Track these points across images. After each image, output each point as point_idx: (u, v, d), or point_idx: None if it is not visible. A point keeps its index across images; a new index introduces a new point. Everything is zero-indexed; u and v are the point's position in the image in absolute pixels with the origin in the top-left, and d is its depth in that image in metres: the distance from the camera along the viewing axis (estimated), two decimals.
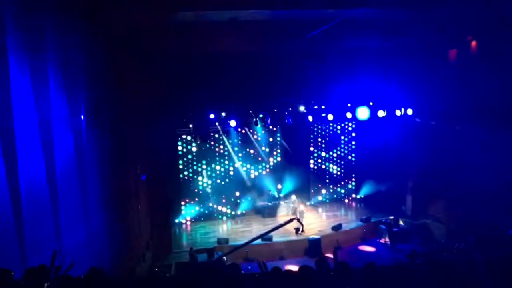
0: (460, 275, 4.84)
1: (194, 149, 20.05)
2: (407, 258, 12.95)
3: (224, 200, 20.88)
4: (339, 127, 22.66)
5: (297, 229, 17.78)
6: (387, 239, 18.31)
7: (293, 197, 20.36)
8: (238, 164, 21.02)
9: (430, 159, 19.74)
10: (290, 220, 16.73)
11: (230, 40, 14.49)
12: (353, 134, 22.89)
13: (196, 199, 20.50)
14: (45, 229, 8.50)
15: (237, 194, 21.19)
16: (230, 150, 20.65)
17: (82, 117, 10.26)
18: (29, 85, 8.09)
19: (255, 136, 21.41)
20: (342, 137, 22.89)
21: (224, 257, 15.24)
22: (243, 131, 20.53)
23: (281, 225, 16.62)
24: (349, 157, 23.14)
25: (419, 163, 20.15)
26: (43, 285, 4.39)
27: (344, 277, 4.57)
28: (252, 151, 21.52)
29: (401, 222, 19.32)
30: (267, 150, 21.84)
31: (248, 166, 21.59)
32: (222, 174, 20.81)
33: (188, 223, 20.35)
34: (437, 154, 19.36)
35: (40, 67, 8.35)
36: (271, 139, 21.84)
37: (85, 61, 10.15)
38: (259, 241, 16.68)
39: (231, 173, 20.93)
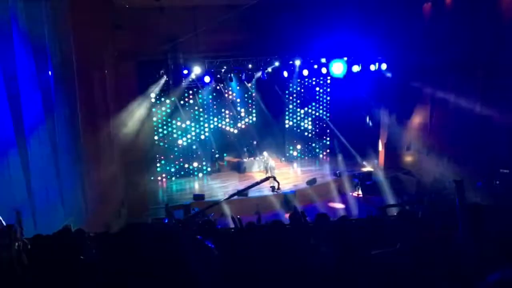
0: (427, 225, 4.99)
1: (167, 105, 19.72)
2: (378, 210, 13.29)
3: (199, 157, 20.82)
4: (314, 83, 22.58)
5: (273, 187, 17.89)
6: (360, 192, 18.73)
7: (265, 153, 20.42)
8: (212, 121, 20.91)
9: (402, 113, 20.03)
10: (267, 179, 16.84)
11: None
12: (328, 90, 22.88)
13: (172, 156, 20.38)
14: (16, 188, 8.36)
15: (213, 150, 21.17)
16: (200, 108, 20.41)
17: (50, 72, 9.91)
18: None
19: (230, 93, 21.21)
20: (317, 93, 22.86)
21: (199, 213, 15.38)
22: (218, 87, 20.26)
23: (257, 183, 16.75)
24: (324, 112, 23.23)
25: (392, 117, 20.43)
26: (13, 245, 4.32)
27: (317, 230, 4.67)
28: (227, 108, 21.38)
29: (373, 175, 19.74)
30: (243, 108, 21.71)
31: (224, 122, 21.49)
32: (197, 130, 20.65)
33: (164, 179, 20.32)
34: (410, 108, 19.65)
35: (3, 22, 7.95)
36: (246, 95, 21.70)
37: (50, 14, 9.70)
38: (235, 196, 16.86)
39: (206, 129, 20.80)
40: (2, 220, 5.23)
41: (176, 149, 20.39)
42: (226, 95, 21.12)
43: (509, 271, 1.41)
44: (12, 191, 8.13)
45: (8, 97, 8.16)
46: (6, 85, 8.09)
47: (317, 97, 22.89)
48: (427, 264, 2.91)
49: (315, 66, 18.80)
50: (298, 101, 22.52)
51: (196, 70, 17.57)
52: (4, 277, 3.98)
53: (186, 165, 20.64)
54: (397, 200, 17.11)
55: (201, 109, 20.50)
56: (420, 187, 18.32)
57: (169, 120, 19.93)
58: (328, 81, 22.48)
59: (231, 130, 21.78)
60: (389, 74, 19.23)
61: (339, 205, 18.11)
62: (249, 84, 21.08)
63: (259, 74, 18.56)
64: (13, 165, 8.32)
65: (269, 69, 18.52)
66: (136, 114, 16.83)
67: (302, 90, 22.44)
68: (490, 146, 15.78)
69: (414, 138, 19.73)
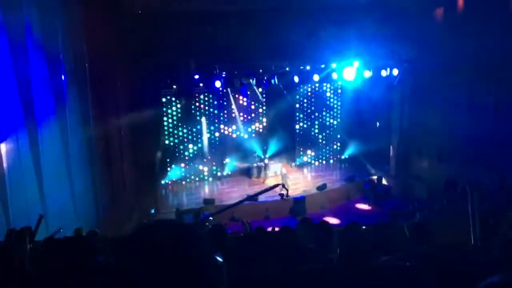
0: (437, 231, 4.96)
1: (178, 110, 19.80)
2: (388, 216, 13.25)
3: (209, 162, 20.87)
4: (325, 88, 22.52)
5: (281, 195, 17.73)
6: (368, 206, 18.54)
7: (266, 161, 20.33)
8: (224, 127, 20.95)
9: (414, 118, 19.90)
10: (276, 185, 16.78)
11: None
12: (339, 95, 22.81)
13: (182, 160, 20.45)
14: (28, 191, 8.46)
15: (223, 155, 21.21)
16: (211, 113, 20.45)
17: (62, 77, 10.03)
18: (6, 45, 7.86)
19: (241, 97, 21.24)
20: (328, 98, 22.81)
21: (211, 217, 15.40)
22: (228, 92, 20.30)
23: (266, 190, 16.69)
24: (335, 118, 23.16)
25: (403, 123, 20.30)
26: (25, 247, 4.38)
27: (325, 236, 4.66)
28: (237, 113, 21.40)
29: (384, 181, 19.61)
30: (253, 113, 21.72)
31: (234, 127, 21.52)
32: (208, 135, 20.71)
33: (174, 184, 20.39)
34: (422, 113, 19.50)
35: (17, 27, 8.08)
36: (256, 100, 21.67)
37: (64, 21, 9.83)
38: (245, 201, 16.86)
39: (217, 134, 20.86)
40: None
41: (186, 153, 20.47)
42: (237, 100, 21.15)
43: (510, 274, 1.40)
44: (24, 193, 8.23)
45: (21, 100, 8.28)
46: (20, 89, 8.21)
47: (328, 102, 22.84)
48: (436, 271, 2.90)
49: (326, 72, 18.77)
50: (309, 106, 22.48)
51: (207, 75, 17.65)
52: (15, 279, 4.03)
53: (197, 170, 20.70)
54: (408, 206, 16.98)
55: (211, 114, 20.56)
56: (431, 193, 18.15)
57: (180, 124, 20.02)
58: (339, 86, 22.40)
59: (241, 135, 21.79)
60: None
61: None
62: (260, 89, 21.10)
63: (269, 79, 18.55)
64: (26, 167, 8.42)
65: (280, 74, 18.53)
66: (146, 117, 16.92)
67: (313, 95, 22.42)
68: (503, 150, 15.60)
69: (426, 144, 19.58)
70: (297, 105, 22.25)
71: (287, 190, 17.82)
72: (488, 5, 15.35)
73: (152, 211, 16.58)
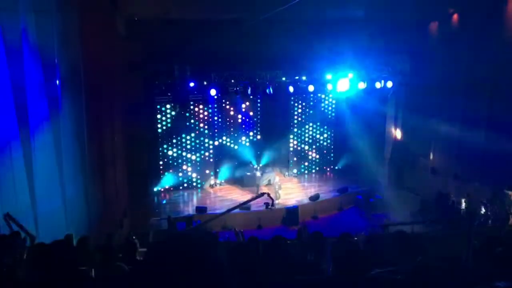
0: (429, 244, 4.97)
1: (173, 117, 19.75)
2: (381, 228, 13.26)
3: (203, 169, 20.81)
4: (319, 98, 22.56)
5: (267, 204, 17.60)
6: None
7: (258, 173, 20.24)
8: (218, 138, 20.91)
9: (407, 131, 19.99)
10: (261, 195, 16.72)
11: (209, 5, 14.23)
12: (333, 105, 22.88)
13: (176, 168, 20.37)
14: (20, 197, 8.40)
15: (216, 163, 21.15)
16: (205, 121, 20.43)
17: (57, 82, 10.00)
18: (2, 50, 7.85)
19: (236, 106, 21.24)
20: (322, 108, 22.87)
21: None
22: (223, 100, 20.33)
23: (252, 199, 16.60)
24: (329, 128, 23.20)
25: (397, 135, 20.39)
26: (17, 253, 4.33)
27: (318, 247, 4.66)
28: (232, 121, 21.40)
29: (377, 193, 19.61)
30: (248, 122, 21.71)
31: (228, 135, 21.49)
32: (202, 143, 20.66)
33: (167, 191, 20.28)
34: (415, 126, 19.60)
35: (13, 31, 8.08)
36: (251, 109, 21.69)
37: (60, 26, 9.81)
38: (237, 210, 16.80)
39: (210, 142, 20.80)
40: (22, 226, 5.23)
41: (180, 160, 20.40)
42: (232, 108, 21.15)
43: (499, 284, 1.42)
44: (16, 198, 8.17)
45: (15, 105, 8.25)
46: (14, 93, 8.18)
47: (322, 112, 22.86)
48: (427, 285, 2.91)
49: (321, 82, 18.86)
50: (304, 116, 22.51)
51: (203, 82, 17.68)
52: (5, 283, 3.99)
53: (190, 177, 20.63)
54: (400, 218, 16.99)
55: (206, 122, 20.52)
56: (424, 205, 18.17)
57: (173, 131, 19.96)
58: (333, 97, 22.45)
59: (235, 143, 21.76)
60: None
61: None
62: (255, 98, 21.11)
63: (265, 88, 18.59)
64: (18, 172, 8.37)
65: (275, 84, 18.57)
66: (140, 124, 16.89)
67: (307, 106, 22.47)
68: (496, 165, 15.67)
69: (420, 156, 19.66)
70: (292, 115, 22.28)
71: (272, 199, 17.71)
72: (482, 21, 15.52)
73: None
